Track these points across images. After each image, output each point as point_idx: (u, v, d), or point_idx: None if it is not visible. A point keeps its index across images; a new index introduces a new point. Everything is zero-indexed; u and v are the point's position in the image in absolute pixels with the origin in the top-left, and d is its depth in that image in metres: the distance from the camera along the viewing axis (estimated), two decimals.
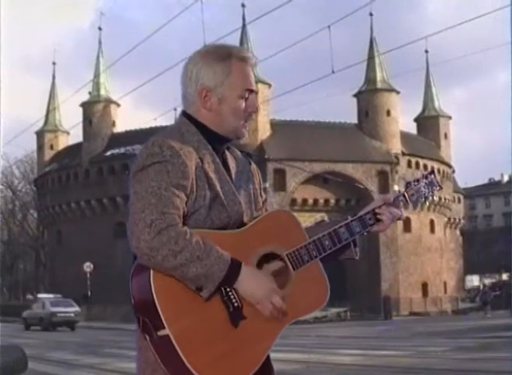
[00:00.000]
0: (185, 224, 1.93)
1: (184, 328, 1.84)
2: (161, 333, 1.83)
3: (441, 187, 2.38)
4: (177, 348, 1.81)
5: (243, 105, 2.08)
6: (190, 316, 1.86)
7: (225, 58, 2.09)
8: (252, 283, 1.92)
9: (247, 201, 2.12)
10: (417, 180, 2.29)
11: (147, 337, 1.88)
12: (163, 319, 1.82)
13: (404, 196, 2.25)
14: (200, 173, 2.00)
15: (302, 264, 2.03)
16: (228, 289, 1.90)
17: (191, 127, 2.08)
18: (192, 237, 1.88)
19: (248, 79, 2.11)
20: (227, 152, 2.17)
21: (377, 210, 2.18)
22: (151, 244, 1.83)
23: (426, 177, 2.30)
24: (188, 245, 1.85)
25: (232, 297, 1.90)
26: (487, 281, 47.95)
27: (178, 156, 1.95)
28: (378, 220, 2.18)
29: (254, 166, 2.25)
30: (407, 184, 2.28)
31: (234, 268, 1.89)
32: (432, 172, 2.36)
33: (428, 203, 43.90)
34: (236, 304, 1.90)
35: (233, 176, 2.11)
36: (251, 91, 2.10)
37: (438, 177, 2.35)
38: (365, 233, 2.20)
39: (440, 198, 45.90)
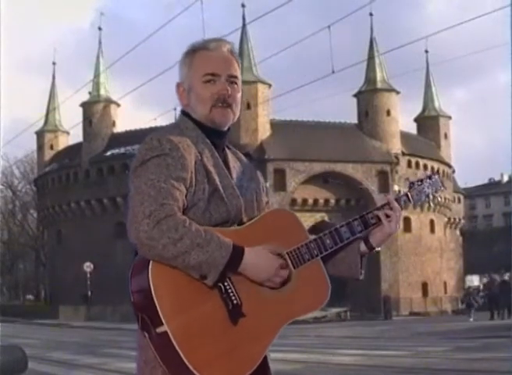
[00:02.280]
0: (185, 216, 1.93)
1: (183, 325, 1.84)
2: (159, 329, 1.83)
3: (445, 188, 2.38)
4: (175, 345, 1.81)
5: (208, 90, 2.07)
6: (188, 312, 1.86)
7: (190, 52, 2.12)
8: (257, 266, 1.92)
9: (249, 199, 2.12)
10: (421, 181, 2.29)
11: (146, 335, 1.88)
12: (161, 315, 1.82)
13: (407, 196, 2.25)
14: (200, 166, 2.00)
15: (303, 262, 2.03)
16: (227, 286, 1.90)
17: (189, 124, 2.10)
18: (191, 224, 1.88)
19: (209, 63, 2.08)
20: (228, 151, 2.18)
21: (375, 212, 2.18)
22: (150, 234, 1.84)
23: (430, 178, 2.31)
24: (188, 232, 1.86)
25: (231, 294, 1.90)
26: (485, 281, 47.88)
27: (177, 149, 1.96)
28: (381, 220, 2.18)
29: (256, 170, 2.27)
30: (411, 184, 2.29)
31: (236, 253, 1.90)
32: (436, 172, 2.36)
33: (429, 203, 43.81)
34: (235, 301, 1.90)
35: (234, 174, 2.12)
36: (213, 74, 2.07)
37: (440, 176, 2.36)
38: (377, 246, 2.20)
39: (440, 198, 45.82)
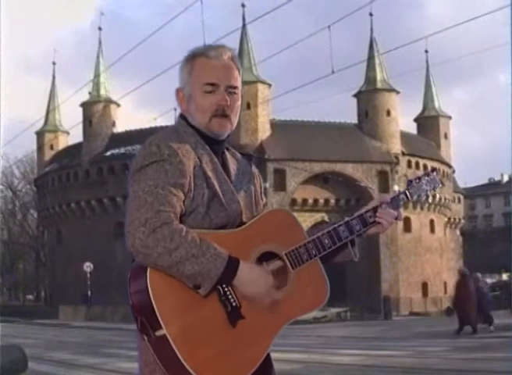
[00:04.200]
0: (184, 223, 1.93)
1: (181, 328, 1.84)
2: (158, 333, 1.83)
3: (443, 185, 2.38)
4: (174, 348, 1.81)
5: (207, 99, 2.06)
6: (187, 315, 1.86)
7: (190, 58, 2.10)
8: (251, 281, 1.91)
9: (248, 202, 2.12)
10: (419, 178, 2.30)
11: (145, 338, 1.88)
12: (160, 319, 1.82)
13: (406, 194, 2.25)
14: (199, 172, 2.00)
15: (301, 263, 2.03)
16: (226, 289, 1.90)
17: (188, 129, 2.09)
18: (188, 234, 1.87)
19: (209, 72, 2.07)
20: (227, 153, 2.18)
21: (379, 210, 2.18)
22: (145, 243, 1.84)
23: (428, 175, 2.31)
24: (183, 243, 1.85)
25: (230, 296, 1.90)
26: (487, 281, 47.80)
27: (176, 155, 1.95)
28: (366, 224, 2.17)
29: (255, 169, 2.26)
30: (409, 182, 2.29)
31: (231, 265, 1.89)
32: (434, 169, 2.36)
33: (429, 201, 43.90)
34: (234, 303, 1.90)
35: (233, 177, 2.11)
36: (213, 84, 2.06)
37: (440, 175, 2.35)
38: (364, 234, 2.19)
39: (440, 198, 45.89)
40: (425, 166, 45.17)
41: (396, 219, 2.21)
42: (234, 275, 1.89)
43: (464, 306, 18.23)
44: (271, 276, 1.97)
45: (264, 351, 1.95)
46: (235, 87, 2.10)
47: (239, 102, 2.13)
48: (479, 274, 20.66)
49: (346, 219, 2.15)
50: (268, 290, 1.94)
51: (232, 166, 2.15)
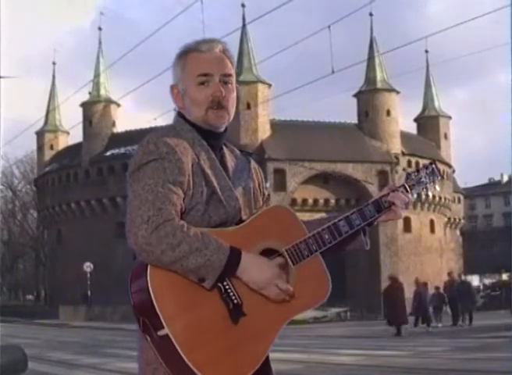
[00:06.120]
0: (183, 221, 1.93)
1: (184, 327, 1.84)
2: (161, 332, 1.83)
3: (442, 177, 2.37)
4: (177, 347, 1.81)
5: (202, 92, 2.06)
6: (189, 314, 1.86)
7: (182, 54, 2.11)
8: (254, 270, 1.92)
9: (247, 199, 2.12)
10: (418, 171, 2.29)
11: (148, 338, 1.88)
12: (162, 319, 1.82)
13: (405, 187, 2.25)
14: (197, 169, 2.00)
15: (302, 259, 2.03)
16: (227, 286, 1.90)
17: (186, 126, 2.09)
18: (190, 229, 1.88)
19: (201, 65, 2.07)
20: (225, 150, 2.17)
21: (384, 198, 2.18)
22: (148, 240, 1.84)
23: (427, 167, 2.30)
24: (186, 238, 1.86)
25: (231, 294, 1.90)
26: (487, 281, 47.68)
27: (174, 153, 1.96)
28: (379, 211, 2.18)
29: (254, 164, 2.26)
30: (408, 175, 2.29)
31: (234, 256, 1.90)
32: (433, 162, 2.35)
33: (429, 200, 43.88)
34: (235, 301, 1.90)
35: (231, 173, 2.11)
36: (206, 74, 2.06)
37: (438, 167, 2.35)
38: (369, 225, 2.18)
39: (440, 198, 45.89)
40: None
41: (406, 206, 2.20)
42: (237, 265, 1.90)
43: (395, 309, 20.48)
44: (276, 266, 1.97)
45: (267, 348, 1.95)
46: (229, 75, 2.10)
47: (234, 94, 2.12)
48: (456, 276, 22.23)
49: (347, 213, 2.15)
50: (273, 277, 1.94)
51: (231, 162, 2.15)
